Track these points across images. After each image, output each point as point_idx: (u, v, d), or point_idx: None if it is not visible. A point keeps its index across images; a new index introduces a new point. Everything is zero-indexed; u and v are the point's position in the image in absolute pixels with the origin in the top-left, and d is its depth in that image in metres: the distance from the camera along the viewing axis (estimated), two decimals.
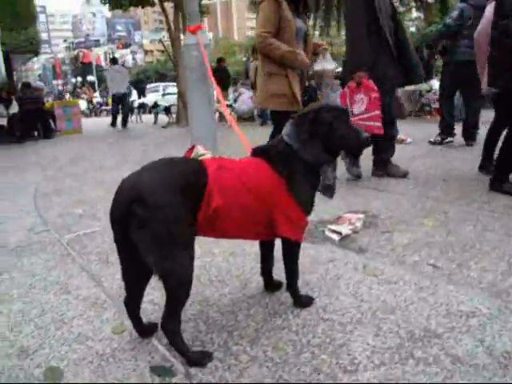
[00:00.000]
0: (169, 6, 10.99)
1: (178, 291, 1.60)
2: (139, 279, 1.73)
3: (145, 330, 1.82)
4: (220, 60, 12.77)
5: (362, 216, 3.03)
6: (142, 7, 12.44)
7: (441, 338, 1.69)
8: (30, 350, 1.79)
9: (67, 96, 26.93)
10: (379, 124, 3.88)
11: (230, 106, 11.55)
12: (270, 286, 2.15)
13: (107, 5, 11.92)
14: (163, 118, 14.09)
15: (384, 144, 4.17)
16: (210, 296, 2.15)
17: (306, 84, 3.91)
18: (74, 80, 41.10)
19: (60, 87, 39.64)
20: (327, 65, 3.83)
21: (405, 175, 4.26)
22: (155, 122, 14.17)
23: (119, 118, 12.96)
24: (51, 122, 10.47)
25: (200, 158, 1.86)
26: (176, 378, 1.56)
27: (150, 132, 11.55)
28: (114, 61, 12.95)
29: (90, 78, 36.97)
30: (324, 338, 1.74)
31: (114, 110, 12.61)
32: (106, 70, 14.00)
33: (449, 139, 6.11)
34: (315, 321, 1.87)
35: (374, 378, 1.49)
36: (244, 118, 11.26)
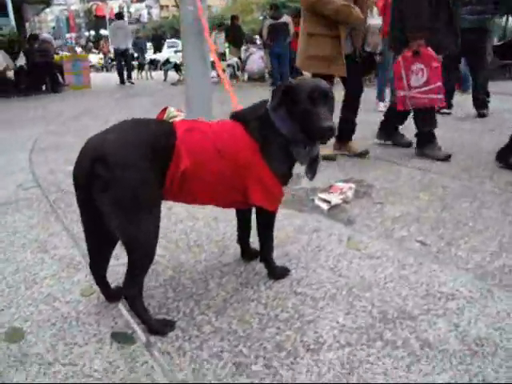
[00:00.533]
0: None
1: (140, 258, 1.53)
2: (104, 244, 1.67)
3: (112, 295, 1.78)
4: (233, 18, 12.45)
5: (353, 185, 2.91)
6: None
7: (414, 321, 1.61)
8: None
9: (79, 50, 26.54)
10: (441, 96, 3.55)
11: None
12: (247, 254, 2.08)
13: None
14: (174, 75, 13.84)
15: (429, 115, 3.75)
16: (185, 262, 2.09)
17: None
18: (87, 33, 40.56)
19: (73, 40, 39.07)
20: (373, 20, 3.51)
21: (409, 145, 4.11)
22: (165, 80, 13.93)
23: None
24: (59, 75, 10.33)
25: (172, 120, 1.75)
26: (135, 346, 1.52)
27: (158, 89, 11.35)
28: (118, 16, 12.73)
29: (104, 31, 36.29)
30: (293, 313, 1.67)
31: (119, 66, 12.38)
32: (114, 22, 13.75)
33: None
34: (287, 294, 1.80)
35: (336, 359, 1.43)
36: (254, 79, 10.98)
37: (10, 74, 9.33)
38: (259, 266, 1.99)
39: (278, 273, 1.93)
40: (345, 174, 3.36)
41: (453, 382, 1.33)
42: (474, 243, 2.20)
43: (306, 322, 1.62)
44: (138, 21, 47.72)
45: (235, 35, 12.08)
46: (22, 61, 9.43)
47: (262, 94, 7.99)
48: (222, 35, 12.45)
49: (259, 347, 1.49)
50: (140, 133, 1.54)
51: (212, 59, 3.46)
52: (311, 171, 1.86)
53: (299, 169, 1.90)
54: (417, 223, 2.45)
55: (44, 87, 10.50)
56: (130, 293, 1.55)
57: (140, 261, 1.54)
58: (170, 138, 1.57)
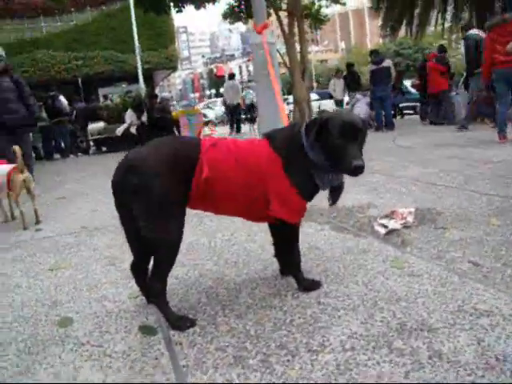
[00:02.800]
0: (284, 14, 11.27)
1: (163, 257, 1.71)
2: (142, 247, 1.87)
3: None
4: (349, 65, 12.74)
5: (412, 210, 2.81)
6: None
7: (433, 333, 1.53)
8: (60, 303, 2.08)
9: (200, 106, 29.07)
10: None
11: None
12: (284, 268, 2.14)
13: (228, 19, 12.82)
14: None
15: None
16: (227, 275, 2.22)
17: None
18: (208, 92, 44.19)
19: (197, 99, 42.99)
20: None
21: None
22: None
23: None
24: (175, 130, 11.44)
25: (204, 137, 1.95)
26: (155, 337, 1.68)
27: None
28: (230, 76, 14.11)
29: (222, 90, 39.50)
30: (308, 320, 1.69)
31: (230, 120, 13.52)
32: (227, 81, 15.52)
33: None
34: (310, 304, 1.82)
35: (333, 361, 1.42)
36: None
37: (133, 129, 10.62)
38: (293, 280, 2.03)
39: (306, 285, 1.95)
40: (421, 200, 3.24)
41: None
42: None
43: (318, 328, 1.62)
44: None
45: (351, 80, 12.37)
46: (145, 117, 10.70)
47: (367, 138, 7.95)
48: (341, 82, 12.78)
49: (263, 345, 1.54)
50: (167, 147, 1.76)
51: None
52: (333, 197, 1.92)
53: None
54: (476, 245, 2.28)
55: None
56: (156, 286, 1.72)
57: (163, 260, 1.71)
58: (195, 152, 1.76)
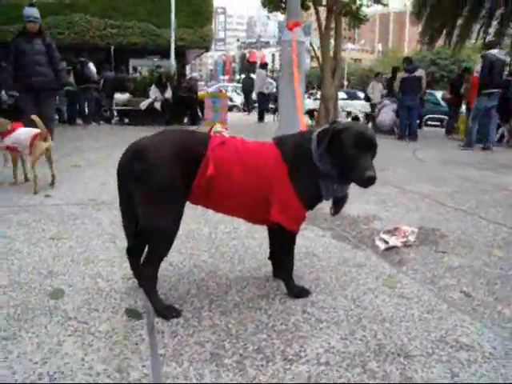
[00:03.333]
0: (322, 9, 11.14)
1: (158, 245, 1.75)
2: (138, 232, 1.90)
3: None
4: (395, 69, 12.54)
5: (415, 230, 2.80)
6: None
7: (409, 359, 1.54)
8: (55, 274, 2.13)
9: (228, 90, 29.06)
10: None
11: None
12: (277, 271, 2.16)
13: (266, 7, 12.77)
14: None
15: None
16: (222, 270, 2.25)
17: None
18: (238, 76, 44.10)
19: (226, 82, 42.93)
20: None
21: None
22: None
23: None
24: (199, 110, 11.48)
25: (217, 134, 1.97)
26: (139, 321, 1.72)
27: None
28: (262, 65, 14.17)
29: (253, 75, 39.41)
30: (290, 327, 1.71)
31: (259, 107, 13.55)
32: (257, 70, 15.90)
33: None
34: (295, 311, 1.84)
35: (305, 372, 1.44)
36: (382, 131, 10.88)
37: (157, 105, 10.68)
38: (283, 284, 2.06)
39: (295, 292, 1.97)
40: (428, 220, 3.22)
41: None
42: None
43: (298, 337, 1.65)
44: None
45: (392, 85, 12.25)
46: (168, 94, 10.77)
47: (388, 145, 7.97)
48: (380, 85, 12.66)
49: (241, 347, 1.57)
50: (176, 139, 1.78)
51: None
52: (335, 208, 1.93)
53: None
54: (472, 275, 2.27)
55: (185, 119, 11.76)
56: (147, 271, 1.76)
57: (157, 248, 1.75)
58: (202, 149, 1.78)
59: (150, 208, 1.70)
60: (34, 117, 3.79)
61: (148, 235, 1.75)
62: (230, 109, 15.98)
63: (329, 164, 1.80)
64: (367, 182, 1.70)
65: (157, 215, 1.70)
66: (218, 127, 1.79)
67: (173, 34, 14.76)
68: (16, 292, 1.94)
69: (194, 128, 11.17)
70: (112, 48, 17.65)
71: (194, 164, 1.76)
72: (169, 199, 1.71)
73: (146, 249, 1.78)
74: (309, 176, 1.84)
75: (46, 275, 2.12)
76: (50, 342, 1.57)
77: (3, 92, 9.49)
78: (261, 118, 14.30)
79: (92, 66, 11.37)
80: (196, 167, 1.76)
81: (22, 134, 3.85)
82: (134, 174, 1.70)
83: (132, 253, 1.95)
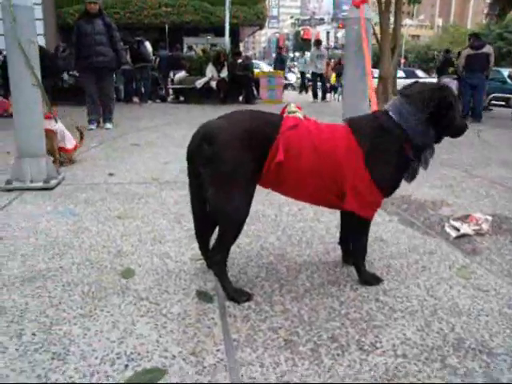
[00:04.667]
0: None
1: (228, 229, 1.74)
2: (207, 215, 1.90)
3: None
4: (447, 51, 12.01)
5: (489, 218, 2.64)
6: None
7: (493, 357, 1.46)
8: (124, 254, 2.18)
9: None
10: None
11: None
12: (347, 257, 2.11)
13: None
14: None
15: None
16: (289, 253, 2.23)
17: None
18: (291, 54, 43.53)
19: None
20: None
21: None
22: None
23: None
24: (254, 89, 11.42)
25: (290, 115, 1.92)
26: (211, 304, 1.73)
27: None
28: (316, 43, 13.82)
29: (307, 53, 38.70)
30: (364, 316, 1.67)
31: (314, 86, 13.37)
32: (312, 48, 15.72)
33: None
34: (367, 299, 1.80)
35: (382, 364, 1.40)
36: None
37: (213, 84, 10.70)
38: (353, 270, 2.01)
39: (367, 279, 1.92)
40: (496, 207, 3.05)
41: None
42: None
43: (372, 326, 1.60)
44: (343, 46, 49.33)
45: (444, 66, 11.73)
46: (224, 73, 10.75)
47: None
48: None
49: (315, 334, 1.55)
50: (246, 122, 1.75)
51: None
52: (413, 173, 1.85)
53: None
54: None
55: (240, 98, 11.74)
56: (217, 257, 1.76)
57: (227, 232, 1.74)
58: (273, 132, 1.73)
59: (220, 192, 1.68)
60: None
61: (218, 219, 1.74)
62: (285, 87, 15.83)
63: (428, 132, 1.76)
64: (466, 128, 1.89)
65: (227, 199, 1.68)
66: (291, 107, 1.73)
67: (227, 12, 14.65)
68: (88, 270, 2.00)
69: (249, 107, 11.16)
70: (166, 26, 17.81)
71: (265, 147, 1.71)
72: (239, 183, 1.69)
73: (216, 233, 1.77)
74: (391, 160, 1.78)
75: (116, 254, 2.17)
76: (125, 321, 1.60)
77: (64, 73, 9.84)
78: (315, 96, 14.18)
79: (148, 45, 11.52)
80: (267, 151, 1.72)
81: None
82: (204, 157, 1.69)
83: (201, 235, 1.96)
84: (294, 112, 1.92)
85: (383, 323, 1.63)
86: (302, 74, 18.23)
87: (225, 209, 1.69)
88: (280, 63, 16.75)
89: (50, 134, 3.78)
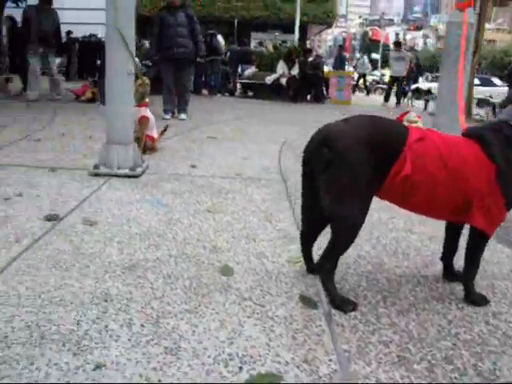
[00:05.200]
0: None
1: (342, 238, 1.71)
2: (315, 220, 1.88)
3: (312, 268, 1.97)
4: None
5: None
6: None
7: None
8: (219, 250, 2.20)
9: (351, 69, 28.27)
10: None
11: None
12: (448, 273, 2.03)
13: None
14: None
15: None
16: (387, 263, 2.17)
17: None
18: (358, 55, 42.71)
19: (347, 60, 41.81)
20: None
21: None
22: (425, 109, 13.70)
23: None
24: (324, 88, 11.29)
25: (410, 124, 1.86)
26: (316, 311, 1.70)
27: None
28: (396, 44, 13.45)
29: (374, 55, 37.70)
30: (476, 338, 1.59)
31: (388, 88, 13.12)
32: (391, 50, 15.21)
33: None
34: (476, 320, 1.72)
35: None
36: None
37: (283, 81, 10.70)
38: (458, 288, 1.93)
39: (475, 298, 1.83)
40: None
41: None
42: None
43: (488, 352, 1.53)
44: (412, 49, 47.74)
45: None
46: (295, 70, 10.70)
47: None
48: None
49: (428, 352, 1.49)
50: (372, 129, 1.70)
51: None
52: None
53: None
54: None
55: (309, 97, 11.66)
56: (326, 265, 1.73)
57: (341, 240, 1.71)
58: (400, 143, 1.67)
59: (338, 198, 1.65)
60: None
61: (332, 225, 1.72)
62: (354, 87, 15.57)
63: None
64: None
65: (345, 206, 1.65)
66: (412, 117, 1.69)
67: (298, 9, 14.58)
68: (186, 264, 2.03)
69: (317, 106, 11.05)
70: (235, 21, 17.97)
71: (390, 159, 1.65)
72: (358, 190, 1.65)
73: (328, 243, 1.74)
74: None
75: (211, 250, 2.19)
76: (231, 321, 1.60)
77: (138, 61, 10.11)
78: (386, 100, 13.80)
79: (221, 39, 11.66)
80: (391, 161, 1.65)
81: None
82: (323, 161, 1.66)
83: (307, 239, 1.94)
84: (415, 122, 1.86)
85: (498, 349, 1.54)
86: (363, 75, 17.94)
87: (342, 215, 1.66)
88: (340, 62, 16.52)
89: (144, 121, 3.90)
